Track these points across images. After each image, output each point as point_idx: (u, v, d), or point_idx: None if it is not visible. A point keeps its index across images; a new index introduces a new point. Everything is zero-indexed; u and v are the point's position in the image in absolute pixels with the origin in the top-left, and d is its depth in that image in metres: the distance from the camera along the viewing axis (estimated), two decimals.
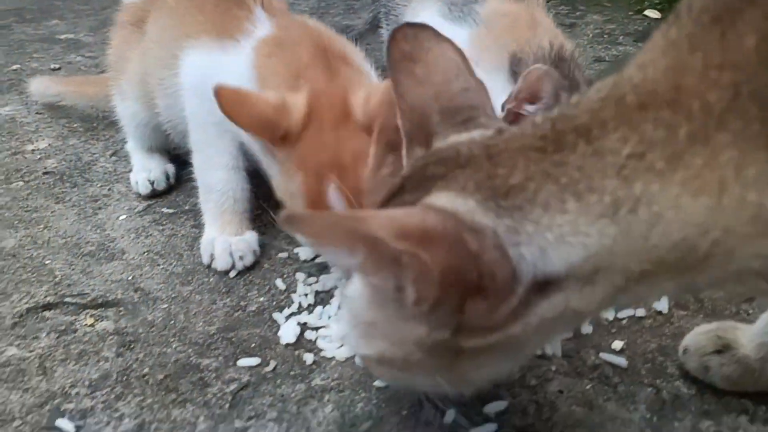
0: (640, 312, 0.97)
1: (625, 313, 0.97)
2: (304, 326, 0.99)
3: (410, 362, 0.63)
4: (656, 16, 2.24)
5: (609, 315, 0.97)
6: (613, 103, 0.54)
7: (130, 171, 1.40)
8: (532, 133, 0.57)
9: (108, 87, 1.48)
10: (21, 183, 1.41)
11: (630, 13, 2.27)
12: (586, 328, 0.95)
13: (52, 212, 1.31)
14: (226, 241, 1.15)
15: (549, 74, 0.94)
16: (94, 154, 1.53)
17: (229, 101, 0.97)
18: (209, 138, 1.19)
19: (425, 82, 0.66)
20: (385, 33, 1.48)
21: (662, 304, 0.98)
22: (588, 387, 0.87)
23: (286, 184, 1.03)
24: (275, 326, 1.00)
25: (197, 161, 1.22)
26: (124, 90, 1.39)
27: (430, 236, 0.53)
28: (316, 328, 0.98)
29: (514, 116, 0.95)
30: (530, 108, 0.95)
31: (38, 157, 1.52)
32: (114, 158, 1.50)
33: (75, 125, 1.65)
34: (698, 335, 0.87)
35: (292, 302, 1.04)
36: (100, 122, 1.64)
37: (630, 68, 0.56)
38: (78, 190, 1.38)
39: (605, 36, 2.08)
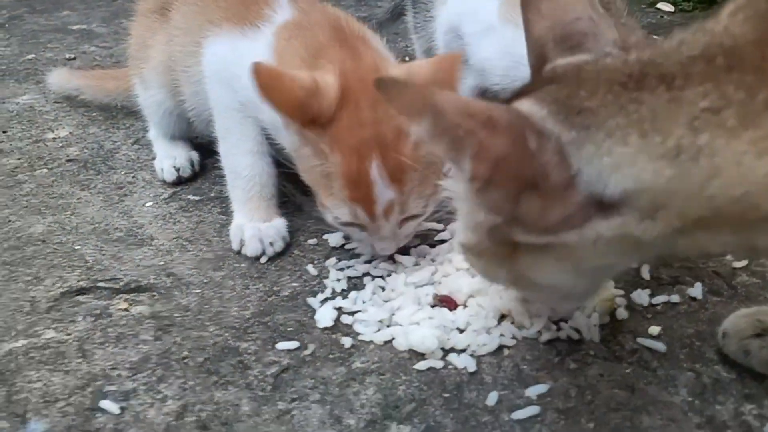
0: (675, 298, 0.98)
1: (659, 299, 0.98)
2: (339, 311, 0.99)
3: (482, 250, 0.72)
4: (669, 9, 2.25)
5: (643, 300, 0.98)
6: (703, 61, 0.58)
7: (153, 159, 1.41)
8: (621, 69, 0.61)
9: (128, 81, 1.48)
10: (45, 170, 1.41)
11: (643, 6, 2.27)
12: (622, 314, 0.96)
13: (78, 199, 1.31)
14: (255, 227, 1.14)
15: None
16: (116, 142, 1.52)
17: (265, 80, 0.95)
18: (233, 124, 1.19)
19: (547, 16, 0.71)
20: (410, 19, 1.47)
21: (696, 291, 0.99)
22: (628, 371, 0.87)
23: (320, 166, 1.01)
24: (310, 311, 1.00)
25: (223, 148, 1.22)
26: (147, 78, 1.39)
27: (493, 123, 0.59)
28: (352, 313, 0.98)
29: None
30: None
31: (60, 145, 1.51)
32: (136, 146, 1.50)
33: (94, 114, 1.65)
34: (738, 319, 0.88)
35: (325, 287, 1.04)
36: (119, 111, 1.63)
37: (720, 33, 0.60)
38: (102, 178, 1.38)
39: None
